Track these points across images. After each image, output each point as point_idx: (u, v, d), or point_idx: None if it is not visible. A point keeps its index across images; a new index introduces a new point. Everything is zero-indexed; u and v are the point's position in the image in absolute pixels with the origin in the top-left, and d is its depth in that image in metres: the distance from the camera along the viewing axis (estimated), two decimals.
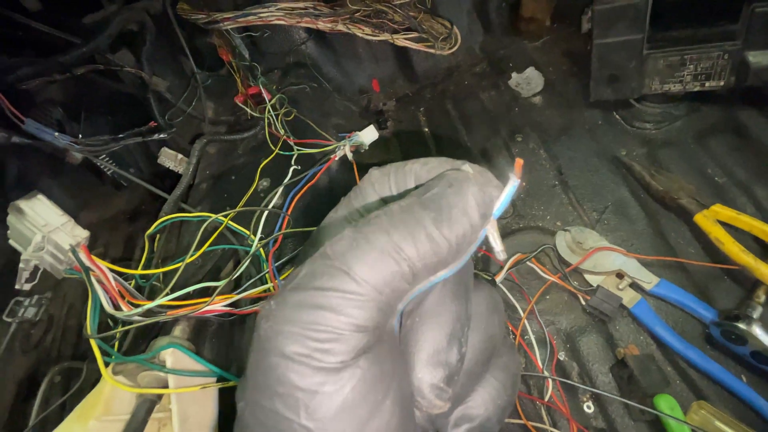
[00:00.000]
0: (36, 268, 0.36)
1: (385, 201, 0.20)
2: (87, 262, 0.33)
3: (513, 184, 0.18)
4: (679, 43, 0.57)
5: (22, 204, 0.35)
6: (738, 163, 0.56)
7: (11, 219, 0.35)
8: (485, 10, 0.81)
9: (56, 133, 0.54)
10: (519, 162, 0.18)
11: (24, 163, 0.76)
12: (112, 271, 0.35)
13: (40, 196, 0.36)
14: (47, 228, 0.34)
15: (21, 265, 0.35)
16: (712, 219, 0.50)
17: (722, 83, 0.56)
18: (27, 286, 0.37)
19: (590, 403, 0.47)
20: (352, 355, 0.15)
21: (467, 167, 0.19)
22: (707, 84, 0.57)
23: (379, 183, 0.20)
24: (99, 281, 0.34)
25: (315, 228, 0.53)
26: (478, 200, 0.17)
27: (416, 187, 0.19)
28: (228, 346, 0.49)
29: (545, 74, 0.73)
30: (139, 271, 0.40)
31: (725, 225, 0.49)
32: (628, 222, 0.56)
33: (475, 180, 0.17)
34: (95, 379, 0.49)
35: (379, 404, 0.15)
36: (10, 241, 0.37)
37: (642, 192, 0.58)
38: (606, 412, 0.46)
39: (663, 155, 0.60)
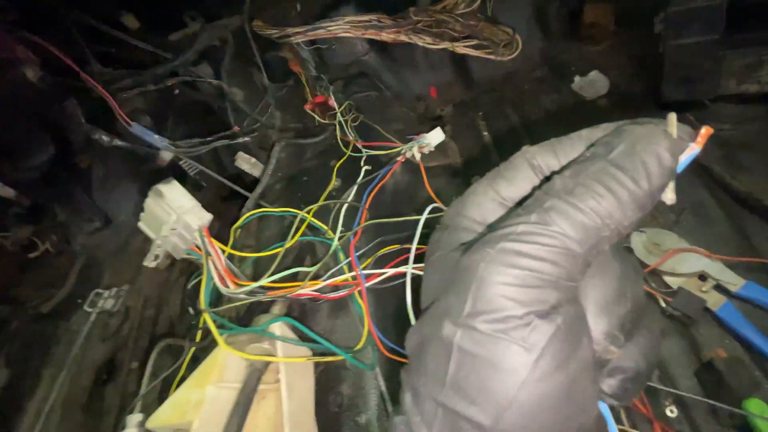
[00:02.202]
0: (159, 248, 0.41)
1: (547, 178, 0.21)
2: (207, 245, 0.37)
3: (693, 152, 0.19)
4: (756, 43, 0.56)
5: (162, 187, 0.40)
6: None
7: (149, 202, 0.40)
8: (545, 17, 0.82)
9: (156, 136, 0.60)
10: (708, 130, 0.19)
11: (116, 165, 0.85)
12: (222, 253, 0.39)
13: (175, 182, 0.41)
14: (181, 209, 0.39)
15: (157, 242, 0.40)
16: None
17: None
18: (153, 264, 0.42)
19: (673, 407, 0.46)
20: (564, 299, 0.17)
21: (645, 120, 0.20)
22: None
23: (540, 156, 0.21)
24: (213, 263, 0.38)
25: (391, 220, 0.56)
26: (670, 150, 0.18)
27: (592, 145, 0.20)
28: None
29: (610, 77, 0.73)
30: (244, 254, 0.43)
31: None
32: (708, 223, 0.54)
33: (661, 132, 0.18)
34: (192, 356, 0.53)
35: (580, 339, 0.17)
36: (140, 224, 0.41)
37: (722, 193, 0.56)
38: (690, 416, 0.45)
39: (742, 156, 0.58)
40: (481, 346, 0.17)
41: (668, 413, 0.46)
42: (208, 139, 0.67)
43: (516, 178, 0.21)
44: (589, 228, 0.17)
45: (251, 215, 0.56)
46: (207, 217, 0.40)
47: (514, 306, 0.16)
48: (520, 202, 0.21)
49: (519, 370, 0.16)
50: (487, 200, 0.21)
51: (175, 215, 0.38)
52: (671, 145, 0.18)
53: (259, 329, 0.36)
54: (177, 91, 0.79)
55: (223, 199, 0.90)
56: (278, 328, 0.36)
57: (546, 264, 0.16)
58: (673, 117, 0.19)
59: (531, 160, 0.21)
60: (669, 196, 0.19)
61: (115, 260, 0.87)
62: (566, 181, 0.18)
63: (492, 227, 0.20)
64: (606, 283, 0.20)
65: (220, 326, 0.38)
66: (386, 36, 0.81)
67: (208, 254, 0.37)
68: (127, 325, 0.80)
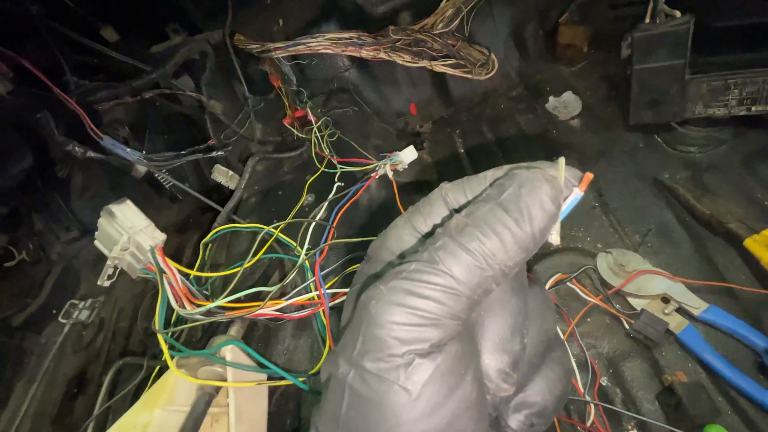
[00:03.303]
0: (116, 267, 0.41)
1: (457, 210, 0.21)
2: (161, 264, 0.37)
3: (576, 195, 0.20)
4: (722, 67, 0.57)
5: (114, 208, 0.40)
6: None
7: (102, 221, 0.40)
8: (522, 38, 0.84)
9: (128, 149, 0.60)
10: (588, 176, 0.20)
11: (94, 174, 0.84)
12: (180, 273, 0.39)
13: (128, 202, 0.41)
14: (133, 230, 0.39)
15: (108, 263, 0.39)
16: (763, 244, 0.48)
17: None
18: (107, 283, 0.41)
19: (635, 431, 0.46)
20: (447, 338, 0.17)
21: (538, 164, 0.20)
22: (753, 108, 0.57)
23: (452, 193, 0.21)
24: (168, 282, 0.38)
25: (357, 239, 0.56)
26: (551, 196, 0.18)
27: (491, 184, 0.21)
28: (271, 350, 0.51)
29: (583, 98, 0.74)
30: (204, 274, 0.43)
31: None
32: (673, 246, 0.55)
33: (545, 177, 0.19)
34: (148, 375, 0.52)
35: (463, 377, 0.18)
36: (96, 242, 0.41)
37: (687, 216, 0.57)
38: None
39: (708, 179, 0.59)
40: (367, 386, 0.17)
41: None
42: (182, 152, 0.67)
43: (431, 212, 0.21)
44: (472, 267, 0.17)
45: (219, 231, 0.55)
46: (160, 237, 0.40)
47: (397, 345, 0.16)
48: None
49: (398, 411, 0.16)
50: (405, 233, 0.22)
51: (126, 235, 0.38)
52: (553, 192, 0.18)
53: (208, 353, 0.35)
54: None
55: (203, 210, 0.89)
56: (229, 351, 0.36)
57: (430, 302, 0.17)
58: (561, 161, 0.20)
59: (445, 197, 0.21)
60: (554, 238, 0.19)
61: (91, 270, 0.86)
62: (460, 220, 0.19)
63: (402, 256, 0.21)
64: (501, 321, 0.20)
65: (172, 347, 0.37)
66: (366, 53, 0.82)
67: (162, 272, 0.37)
68: (100, 337, 0.79)
